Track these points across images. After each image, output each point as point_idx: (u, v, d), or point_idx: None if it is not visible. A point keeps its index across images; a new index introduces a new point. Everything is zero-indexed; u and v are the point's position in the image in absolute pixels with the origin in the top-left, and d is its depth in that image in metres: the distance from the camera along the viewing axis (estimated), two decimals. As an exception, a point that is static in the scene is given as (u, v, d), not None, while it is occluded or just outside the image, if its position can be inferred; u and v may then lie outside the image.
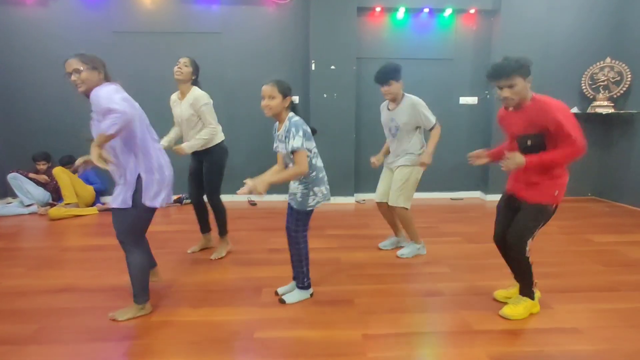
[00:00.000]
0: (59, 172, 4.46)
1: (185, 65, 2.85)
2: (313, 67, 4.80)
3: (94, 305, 2.35)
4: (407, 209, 3.05)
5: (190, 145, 2.87)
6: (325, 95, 4.84)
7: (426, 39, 5.06)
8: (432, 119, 2.99)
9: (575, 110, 5.06)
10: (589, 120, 5.12)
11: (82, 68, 1.99)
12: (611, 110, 4.82)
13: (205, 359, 1.84)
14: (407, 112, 2.98)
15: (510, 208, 2.21)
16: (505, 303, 2.29)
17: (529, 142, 2.06)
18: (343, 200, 5.09)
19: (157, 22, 4.79)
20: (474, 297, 2.46)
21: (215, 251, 3.16)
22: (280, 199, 5.11)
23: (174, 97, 3.02)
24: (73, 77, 1.99)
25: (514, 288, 2.37)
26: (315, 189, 2.26)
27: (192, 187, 3.13)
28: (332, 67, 4.81)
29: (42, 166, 4.69)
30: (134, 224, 2.10)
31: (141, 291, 2.19)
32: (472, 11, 4.96)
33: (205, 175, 3.02)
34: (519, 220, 2.12)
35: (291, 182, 2.32)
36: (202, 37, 4.84)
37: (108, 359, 1.84)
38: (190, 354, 1.88)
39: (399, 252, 3.15)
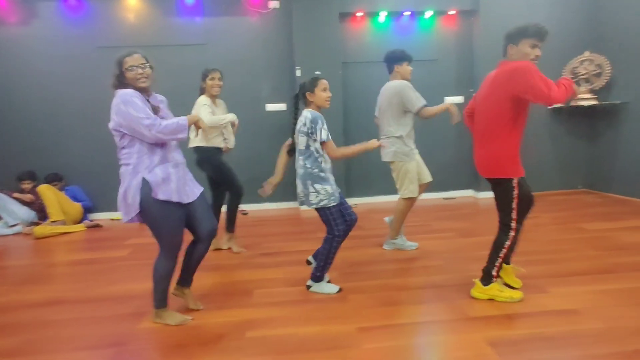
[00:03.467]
0: (44, 189, 4.37)
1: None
2: (298, 74, 4.82)
3: (80, 316, 2.27)
4: None
5: None
6: (312, 101, 4.85)
7: (409, 41, 5.10)
8: None
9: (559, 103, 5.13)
10: (573, 114, 5.18)
11: (147, 64, 2.00)
12: (594, 102, 4.89)
13: (195, 360, 1.77)
14: None
15: None
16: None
17: None
18: (335, 205, 5.04)
19: (142, 36, 4.79)
20: (469, 287, 2.40)
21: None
22: (271, 207, 5.06)
23: (209, 102, 3.17)
24: (140, 70, 1.95)
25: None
26: (317, 186, 2.28)
27: None
28: (318, 72, 4.82)
29: (27, 185, 4.60)
30: None
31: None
32: (452, 12, 5.05)
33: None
34: None
35: (331, 176, 2.40)
36: (186, 49, 4.85)
37: (93, 366, 1.76)
38: (177, 357, 1.81)
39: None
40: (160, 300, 2.09)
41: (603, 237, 3.25)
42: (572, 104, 5.02)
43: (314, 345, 1.84)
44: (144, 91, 2.01)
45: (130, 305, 2.36)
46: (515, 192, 2.13)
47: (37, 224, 4.43)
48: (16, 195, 4.50)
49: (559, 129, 5.27)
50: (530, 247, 3.09)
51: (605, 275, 2.48)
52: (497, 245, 2.19)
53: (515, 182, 2.14)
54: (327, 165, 2.37)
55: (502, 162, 2.14)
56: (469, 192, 5.42)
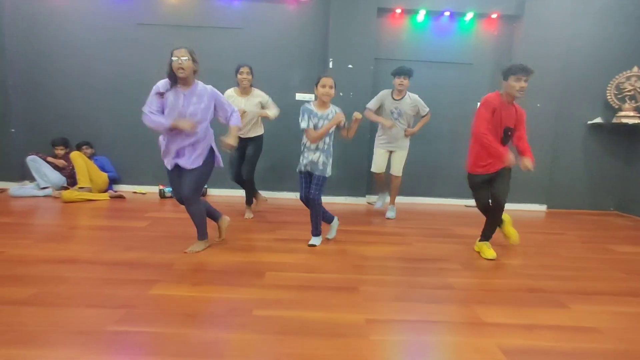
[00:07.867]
0: (76, 156, 4.52)
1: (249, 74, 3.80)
2: (330, 65, 4.79)
3: (94, 276, 2.32)
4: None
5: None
6: (341, 94, 4.81)
7: (446, 43, 5.01)
8: (427, 108, 4.07)
9: (598, 120, 4.91)
10: (613, 131, 4.95)
11: (186, 58, 2.49)
12: (637, 121, 4.65)
13: (198, 330, 1.78)
14: (410, 105, 4.01)
15: (486, 182, 2.94)
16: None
17: (509, 133, 2.84)
18: (354, 201, 5.01)
19: (180, 16, 4.88)
20: (486, 292, 2.34)
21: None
22: (290, 195, 5.06)
23: (233, 93, 3.86)
24: (179, 61, 2.47)
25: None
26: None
27: (238, 169, 3.90)
28: (350, 66, 4.79)
29: (60, 151, 4.76)
30: (204, 180, 2.76)
31: (203, 231, 2.88)
32: (493, 16, 4.90)
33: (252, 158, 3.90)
34: (504, 182, 2.87)
35: (310, 153, 2.98)
36: (222, 31, 4.90)
37: (99, 323, 1.79)
38: (183, 324, 1.82)
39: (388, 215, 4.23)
40: (201, 234, 2.87)
41: (631, 260, 3.08)
42: (615, 120, 4.80)
43: (318, 329, 1.82)
44: (181, 81, 2.55)
45: (143, 273, 2.40)
46: (469, 181, 3.03)
47: (66, 188, 4.59)
48: (50, 159, 4.68)
49: (596, 146, 5.04)
50: (552, 262, 2.97)
51: (630, 298, 2.34)
52: None
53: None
54: (307, 144, 3.00)
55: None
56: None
